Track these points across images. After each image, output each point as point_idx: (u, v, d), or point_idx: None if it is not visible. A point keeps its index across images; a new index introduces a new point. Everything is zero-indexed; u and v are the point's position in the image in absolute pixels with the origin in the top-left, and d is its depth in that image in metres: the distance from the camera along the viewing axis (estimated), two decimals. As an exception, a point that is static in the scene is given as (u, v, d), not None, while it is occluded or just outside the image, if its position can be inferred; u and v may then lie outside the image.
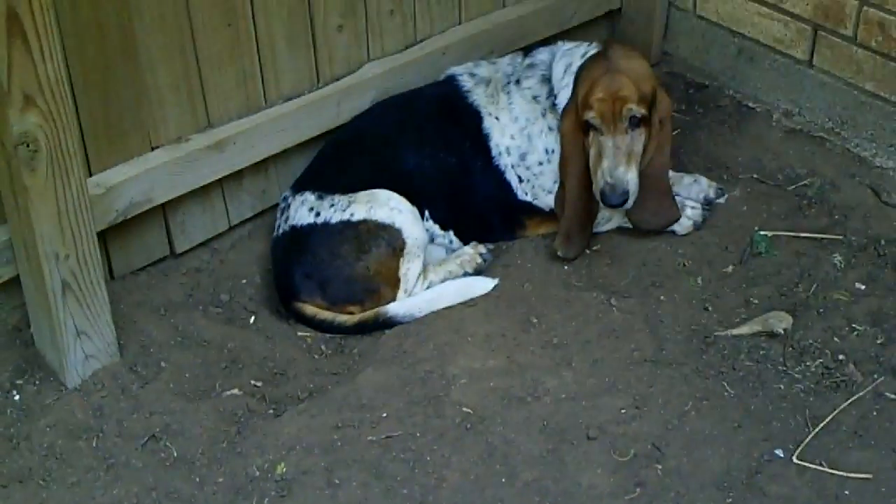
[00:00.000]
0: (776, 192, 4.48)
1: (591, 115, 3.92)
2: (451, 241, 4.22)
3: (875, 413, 3.56)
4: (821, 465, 3.39)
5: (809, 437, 3.46)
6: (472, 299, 3.99)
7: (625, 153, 3.93)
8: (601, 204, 3.99)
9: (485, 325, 3.88)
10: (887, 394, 3.61)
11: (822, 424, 3.50)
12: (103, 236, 3.81)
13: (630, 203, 3.97)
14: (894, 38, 4.36)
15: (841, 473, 3.36)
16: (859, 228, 4.28)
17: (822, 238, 4.23)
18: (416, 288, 4.00)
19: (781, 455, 3.42)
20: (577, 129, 3.99)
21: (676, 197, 4.24)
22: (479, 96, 4.21)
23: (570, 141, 4.03)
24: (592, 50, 4.11)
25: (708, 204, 4.38)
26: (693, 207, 4.30)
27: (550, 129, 4.14)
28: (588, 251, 4.20)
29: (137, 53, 3.69)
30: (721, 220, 4.33)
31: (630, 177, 3.94)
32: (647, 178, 4.02)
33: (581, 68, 4.04)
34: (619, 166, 3.92)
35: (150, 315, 3.91)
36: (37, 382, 3.67)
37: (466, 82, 4.25)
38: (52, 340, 3.58)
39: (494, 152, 4.17)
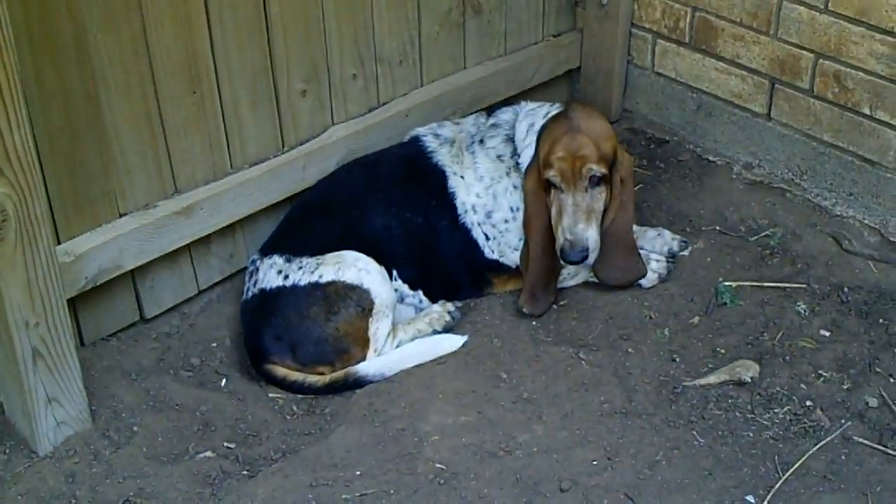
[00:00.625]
0: (739, 243, 4.53)
1: (551, 174, 3.96)
2: (420, 301, 4.24)
3: (843, 457, 3.59)
4: (792, 509, 3.42)
5: (780, 482, 3.49)
6: (441, 357, 4.00)
7: (584, 211, 3.97)
8: (562, 261, 4.02)
9: (455, 381, 3.89)
10: (855, 438, 3.65)
11: (791, 470, 3.53)
12: (73, 303, 3.82)
13: (590, 260, 4.01)
14: (850, 90, 4.44)
15: (812, 518, 3.39)
16: (822, 276, 4.33)
17: (786, 287, 4.28)
18: (386, 347, 4.01)
19: (752, 501, 3.44)
20: (539, 187, 4.03)
21: (641, 250, 4.29)
22: (443, 156, 4.25)
23: (532, 199, 4.07)
24: (554, 110, 4.16)
25: (672, 257, 4.42)
26: (658, 260, 4.35)
27: (515, 187, 4.17)
28: (555, 306, 4.23)
29: (104, 122, 3.71)
30: (686, 273, 4.38)
31: (590, 234, 3.98)
32: (611, 235, 4.07)
33: (543, 128, 4.09)
34: (578, 223, 3.96)
35: (121, 380, 3.90)
36: (7, 451, 3.64)
37: (431, 143, 4.29)
38: (23, 408, 3.56)
39: (460, 210, 4.20)
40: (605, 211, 4.06)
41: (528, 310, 4.16)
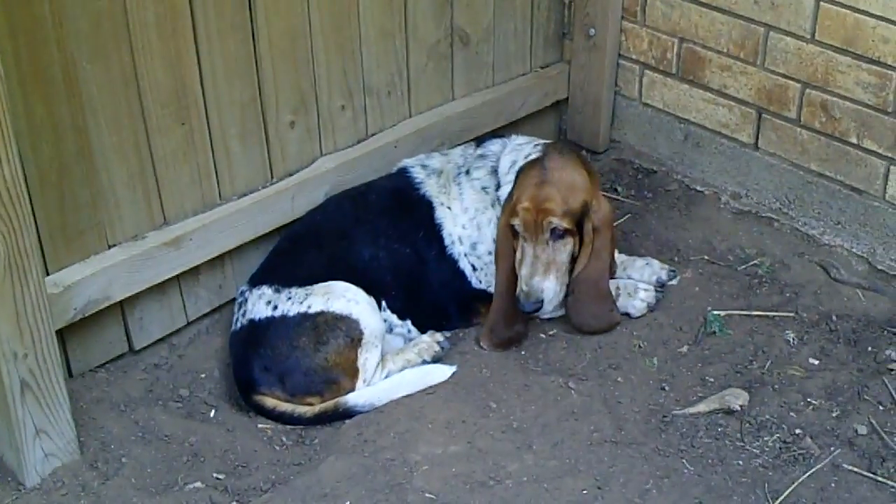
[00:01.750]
0: (727, 272, 4.54)
1: (516, 222, 3.97)
2: (409, 331, 4.24)
3: (833, 485, 3.59)
4: (782, 537, 3.42)
5: (770, 510, 3.50)
6: (430, 387, 4.00)
7: (544, 263, 3.98)
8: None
9: (444, 411, 3.89)
10: (844, 465, 3.65)
11: (781, 498, 3.53)
12: (62, 334, 3.80)
13: (546, 309, 4.04)
14: (837, 119, 4.46)
15: (802, 545, 3.39)
16: (810, 305, 4.34)
17: (775, 316, 4.29)
18: (375, 377, 4.01)
19: (743, 529, 3.45)
20: (509, 228, 4.04)
21: (629, 280, 4.33)
22: (431, 187, 4.26)
23: (502, 238, 4.08)
24: (536, 153, 4.13)
25: (661, 286, 4.43)
26: (646, 290, 4.35)
27: (498, 219, 4.18)
28: (543, 335, 4.24)
29: (92, 153, 3.71)
30: (674, 302, 4.38)
31: (546, 285, 3.98)
32: (582, 282, 4.07)
33: (520, 169, 4.09)
34: (534, 276, 3.97)
35: (109, 412, 3.89)
36: (-6, 483, 3.64)
37: (419, 174, 4.30)
38: (10, 440, 3.55)
39: (447, 241, 4.21)
40: (577, 259, 4.05)
41: (484, 344, 4.19)
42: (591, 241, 4.04)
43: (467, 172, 4.27)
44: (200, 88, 3.94)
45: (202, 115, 3.99)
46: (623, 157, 5.28)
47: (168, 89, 3.85)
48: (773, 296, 4.40)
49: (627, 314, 4.31)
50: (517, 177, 4.08)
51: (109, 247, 3.89)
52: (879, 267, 4.48)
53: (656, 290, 4.39)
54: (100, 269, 3.82)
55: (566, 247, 4.02)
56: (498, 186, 4.21)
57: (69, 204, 3.71)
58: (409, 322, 4.24)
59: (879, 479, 3.61)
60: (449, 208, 4.22)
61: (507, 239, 4.05)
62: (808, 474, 3.62)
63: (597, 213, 4.05)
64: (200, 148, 4.03)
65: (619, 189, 5.05)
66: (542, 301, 3.98)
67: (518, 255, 4.02)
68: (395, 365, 4.07)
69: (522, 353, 4.17)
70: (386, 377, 4.04)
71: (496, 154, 4.29)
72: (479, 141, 4.46)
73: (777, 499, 3.53)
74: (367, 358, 3.97)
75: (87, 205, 3.77)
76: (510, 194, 4.06)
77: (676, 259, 4.61)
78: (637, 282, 4.38)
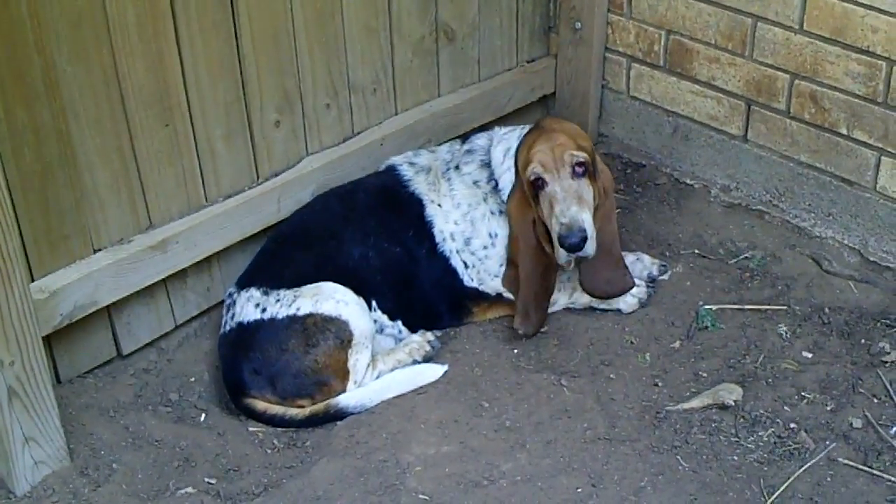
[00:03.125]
0: (719, 266, 4.52)
1: (533, 168, 3.91)
2: (399, 331, 4.22)
3: (829, 479, 3.58)
4: (779, 533, 3.40)
5: (766, 505, 3.48)
6: (422, 386, 3.98)
7: (575, 195, 3.90)
8: (561, 250, 3.88)
9: (436, 411, 3.87)
10: (840, 459, 3.64)
11: (777, 493, 3.52)
12: (49, 340, 3.77)
13: (589, 249, 3.88)
14: (826, 109, 4.44)
15: (799, 540, 3.37)
16: (803, 298, 4.32)
17: (767, 309, 4.27)
18: (366, 378, 3.98)
19: (739, 525, 3.43)
20: (524, 204, 4.01)
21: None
22: (419, 184, 4.24)
23: (518, 219, 4.04)
24: (527, 129, 4.14)
25: (652, 281, 4.41)
26: (637, 285, 4.32)
27: (492, 213, 4.16)
28: (538, 332, 4.22)
29: (76, 157, 3.68)
30: (666, 297, 4.37)
31: (585, 216, 3.88)
32: (598, 246, 3.97)
33: (518, 147, 4.08)
34: (571, 206, 3.87)
35: (99, 417, 3.86)
36: (-17, 492, 3.61)
37: (407, 171, 4.28)
38: (-1, 448, 3.54)
39: (438, 239, 4.19)
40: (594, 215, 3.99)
41: (522, 330, 4.13)
42: (601, 205, 4.02)
43: (456, 168, 4.24)
44: (184, 89, 3.91)
45: (186, 117, 3.96)
46: (611, 151, 5.26)
47: (151, 91, 3.81)
48: (765, 289, 4.38)
49: (619, 310, 4.29)
50: (516, 155, 4.07)
51: (95, 251, 3.86)
52: (871, 258, 4.47)
53: (647, 286, 4.38)
54: (86, 274, 3.79)
55: (589, 187, 3.95)
56: (491, 179, 4.19)
57: (53, 208, 3.68)
58: (399, 322, 4.21)
59: (875, 472, 3.59)
60: (439, 205, 4.20)
61: (525, 216, 4.02)
62: (803, 469, 3.60)
63: (603, 174, 4.05)
64: (185, 149, 4.00)
65: (609, 183, 5.03)
66: (585, 232, 3.85)
67: (545, 206, 3.93)
68: (385, 365, 4.05)
69: (514, 350, 4.15)
70: (377, 378, 4.01)
71: (484, 148, 4.27)
72: (465, 137, 4.45)
73: (773, 494, 3.51)
74: (358, 359, 3.94)
75: (71, 209, 3.73)
76: (516, 173, 4.05)
77: (667, 254, 4.60)
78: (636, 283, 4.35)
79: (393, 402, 3.93)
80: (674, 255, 4.59)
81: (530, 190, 3.96)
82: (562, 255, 3.91)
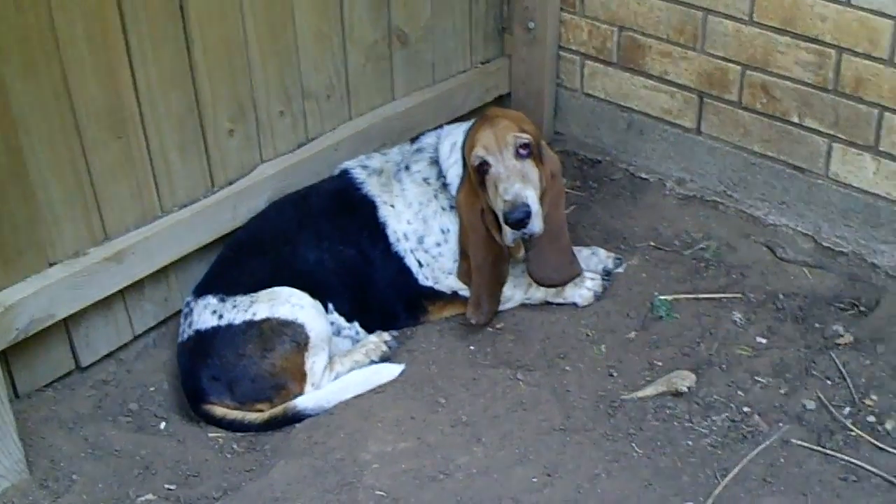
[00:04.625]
0: (674, 257, 4.56)
1: (476, 152, 3.98)
2: (357, 333, 4.24)
3: (783, 460, 3.61)
4: (732, 514, 3.43)
5: (719, 488, 3.51)
6: (380, 386, 4.00)
7: (518, 174, 3.94)
8: (507, 229, 3.92)
9: (393, 409, 3.89)
10: (793, 440, 3.67)
11: (731, 475, 3.55)
12: (5, 355, 3.80)
13: (534, 226, 3.91)
14: (777, 99, 4.48)
15: (752, 521, 3.40)
16: (757, 285, 4.36)
17: (722, 297, 4.31)
18: (324, 380, 4.00)
19: (693, 508, 3.46)
20: (472, 194, 4.06)
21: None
22: (372, 186, 4.26)
23: (467, 210, 4.09)
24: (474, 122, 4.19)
25: (607, 274, 4.45)
26: (592, 279, 4.36)
27: (443, 209, 4.20)
28: (491, 329, 4.25)
29: (28, 171, 3.68)
30: (621, 289, 4.40)
31: (529, 193, 3.92)
32: (546, 233, 4.01)
33: (465, 139, 4.13)
34: (515, 184, 3.92)
35: (58, 430, 3.87)
36: (-58, 508, 3.62)
37: (359, 174, 4.30)
38: (-43, 462, 3.54)
39: (392, 239, 4.21)
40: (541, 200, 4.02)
41: (474, 319, 4.16)
42: (549, 189, 4.06)
43: (406, 168, 4.28)
44: (136, 101, 3.93)
45: (139, 128, 3.97)
46: (567, 148, 5.29)
47: (102, 103, 3.83)
48: (720, 278, 4.42)
49: (574, 304, 4.32)
50: (464, 145, 4.12)
51: (50, 265, 3.87)
52: (825, 244, 4.51)
53: (603, 279, 4.41)
54: (41, 288, 3.80)
55: (534, 168, 4.00)
56: (440, 175, 4.23)
57: (6, 224, 3.68)
58: (356, 324, 4.24)
59: (829, 451, 3.62)
60: (392, 206, 4.23)
61: (473, 206, 4.07)
62: (756, 451, 3.63)
63: (549, 159, 4.10)
64: (139, 161, 4.02)
65: (565, 180, 5.03)
66: (529, 206, 3.89)
67: (490, 188, 3.98)
68: (343, 367, 4.07)
69: (471, 347, 4.18)
70: (335, 379, 4.03)
71: (433, 145, 4.31)
72: (414, 138, 4.47)
73: (726, 476, 3.54)
74: (315, 362, 3.97)
75: (24, 224, 3.74)
76: (464, 164, 4.10)
77: (623, 247, 4.64)
78: (584, 271, 4.38)
79: (351, 402, 3.95)
80: (629, 248, 4.63)
81: (476, 176, 4.01)
82: (508, 234, 3.95)
